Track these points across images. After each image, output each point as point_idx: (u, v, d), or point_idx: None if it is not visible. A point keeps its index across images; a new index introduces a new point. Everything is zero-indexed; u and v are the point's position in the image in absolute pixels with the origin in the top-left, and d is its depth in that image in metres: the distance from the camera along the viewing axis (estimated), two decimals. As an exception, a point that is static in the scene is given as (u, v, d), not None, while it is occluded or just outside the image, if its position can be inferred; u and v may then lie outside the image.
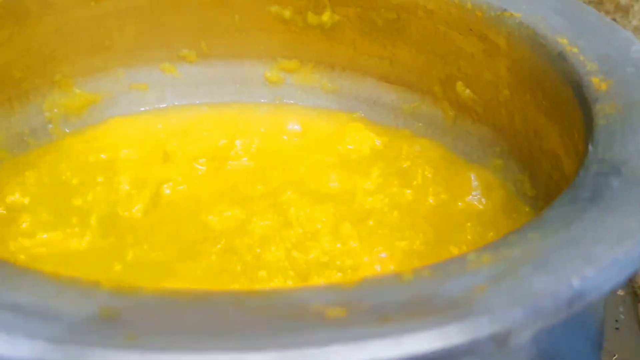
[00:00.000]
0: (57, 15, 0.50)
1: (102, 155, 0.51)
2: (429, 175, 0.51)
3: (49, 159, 0.51)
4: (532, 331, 0.23)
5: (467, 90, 0.52)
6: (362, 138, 0.55)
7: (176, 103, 0.60)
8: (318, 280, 0.41)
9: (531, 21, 0.43)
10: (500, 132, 0.52)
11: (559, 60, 0.39)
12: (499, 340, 0.22)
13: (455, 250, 0.45)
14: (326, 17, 0.55)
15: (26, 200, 0.45)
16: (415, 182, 0.51)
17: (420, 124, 0.57)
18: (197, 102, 0.60)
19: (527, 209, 0.49)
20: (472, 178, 0.51)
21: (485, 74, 0.49)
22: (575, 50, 0.40)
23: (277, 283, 0.41)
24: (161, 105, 0.59)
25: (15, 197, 0.45)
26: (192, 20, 0.56)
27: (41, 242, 0.43)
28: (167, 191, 0.49)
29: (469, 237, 0.47)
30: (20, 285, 0.23)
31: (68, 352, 0.20)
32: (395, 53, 0.56)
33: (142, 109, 0.58)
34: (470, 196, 0.50)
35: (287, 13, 0.56)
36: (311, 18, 0.56)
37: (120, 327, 0.21)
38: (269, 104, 0.61)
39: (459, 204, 0.50)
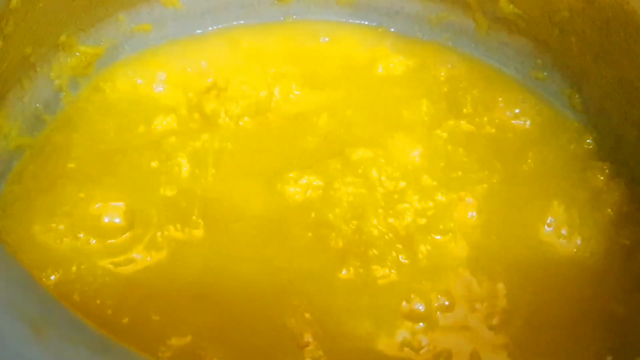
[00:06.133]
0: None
1: (139, 129, 0.46)
2: (477, 100, 0.51)
3: (81, 138, 0.45)
4: None
5: (512, 6, 0.50)
6: (395, 65, 0.53)
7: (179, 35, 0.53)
8: (426, 248, 0.42)
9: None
10: (544, 45, 0.51)
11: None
12: None
13: (529, 183, 0.46)
14: None
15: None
16: (465, 110, 0.50)
17: (448, 34, 0.55)
18: (200, 31, 0.54)
19: (576, 124, 0.51)
20: (521, 96, 0.52)
21: (541, -7, 0.47)
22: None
23: (391, 261, 0.41)
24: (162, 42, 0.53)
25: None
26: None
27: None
28: (228, 160, 0.46)
29: (532, 165, 0.48)
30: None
31: None
32: (428, -35, 0.52)
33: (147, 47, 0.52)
34: (522, 117, 0.51)
35: None
36: None
37: None
38: (280, 24, 0.56)
39: (513, 127, 0.50)
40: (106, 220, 0.41)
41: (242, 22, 0.55)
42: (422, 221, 0.43)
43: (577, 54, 0.48)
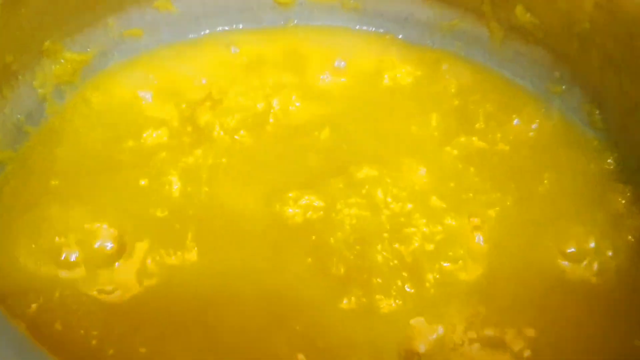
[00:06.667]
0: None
1: (128, 143, 0.43)
2: (490, 115, 0.48)
3: (66, 152, 0.43)
4: None
5: (528, 14, 0.47)
6: (402, 75, 0.50)
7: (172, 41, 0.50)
8: (434, 276, 0.39)
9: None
10: (562, 57, 0.48)
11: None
12: None
13: (544, 205, 0.43)
14: None
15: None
16: (478, 125, 0.47)
17: (460, 43, 0.52)
18: (195, 37, 0.51)
19: (596, 143, 0.48)
20: (537, 111, 0.49)
21: (560, 4, 0.44)
22: None
23: (396, 290, 0.38)
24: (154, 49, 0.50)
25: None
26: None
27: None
28: (223, 178, 0.43)
29: (548, 186, 0.45)
30: None
31: None
32: (441, -30, 0.49)
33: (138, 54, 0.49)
34: (538, 134, 0.48)
35: None
36: None
37: None
38: (280, 30, 0.53)
39: (529, 144, 0.47)
40: (92, 243, 0.39)
41: (240, 26, 0.52)
42: (430, 247, 0.40)
43: (598, 67, 0.45)
